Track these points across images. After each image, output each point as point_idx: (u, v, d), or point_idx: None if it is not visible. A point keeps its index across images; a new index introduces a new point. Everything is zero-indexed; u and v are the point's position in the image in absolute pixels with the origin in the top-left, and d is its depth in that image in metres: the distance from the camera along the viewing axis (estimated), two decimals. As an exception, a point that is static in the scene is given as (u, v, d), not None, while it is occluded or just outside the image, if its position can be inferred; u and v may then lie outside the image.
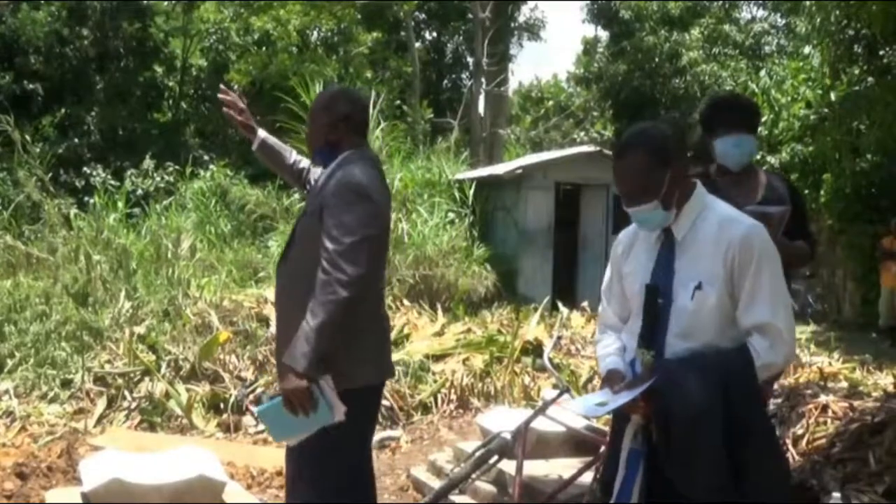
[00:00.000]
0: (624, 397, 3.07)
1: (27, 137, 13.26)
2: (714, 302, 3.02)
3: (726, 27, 26.93)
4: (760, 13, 29.11)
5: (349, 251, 3.36)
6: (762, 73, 19.86)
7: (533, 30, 28.31)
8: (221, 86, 4.17)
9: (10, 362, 8.66)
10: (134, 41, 21.99)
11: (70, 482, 5.86)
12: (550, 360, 5.97)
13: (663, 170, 3.06)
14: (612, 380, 3.22)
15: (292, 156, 4.14)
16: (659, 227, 3.16)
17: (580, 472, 4.81)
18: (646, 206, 3.08)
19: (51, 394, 8.19)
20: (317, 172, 3.97)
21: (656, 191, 3.06)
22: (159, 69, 22.90)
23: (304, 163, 4.13)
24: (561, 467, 5.48)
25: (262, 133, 4.09)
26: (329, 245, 3.37)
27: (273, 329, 8.94)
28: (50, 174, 12.89)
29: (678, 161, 3.11)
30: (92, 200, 13.40)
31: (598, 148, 17.37)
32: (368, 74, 22.42)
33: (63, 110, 19.68)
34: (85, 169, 18.78)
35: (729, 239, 3.03)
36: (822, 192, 16.00)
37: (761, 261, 3.03)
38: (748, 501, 2.98)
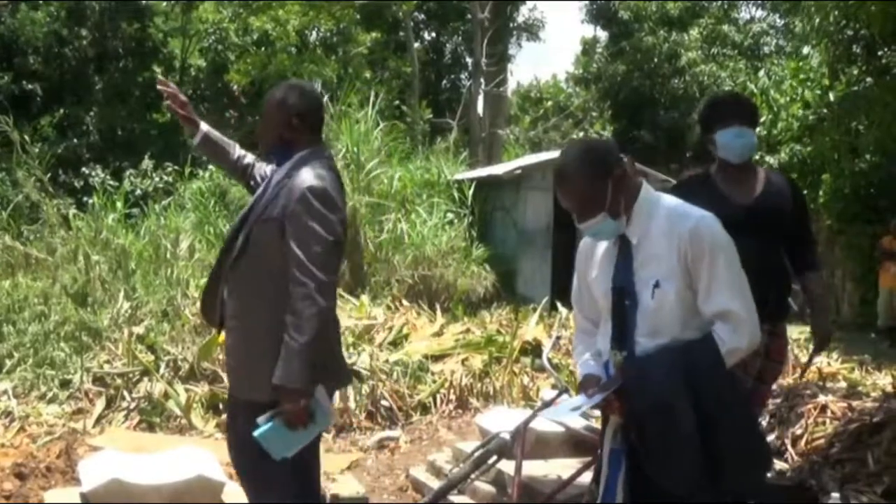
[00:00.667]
0: (594, 399, 3.15)
1: (26, 137, 13.24)
2: (673, 298, 3.10)
3: (725, 27, 26.94)
4: (759, 13, 29.17)
5: (321, 259, 3.32)
6: (761, 73, 19.87)
7: (532, 30, 28.31)
8: (159, 77, 4.11)
9: (8, 363, 8.67)
10: (133, 41, 21.99)
11: (69, 482, 5.86)
12: (549, 360, 5.98)
13: (603, 181, 3.15)
14: (587, 384, 3.29)
15: (236, 151, 4.01)
16: (613, 236, 3.24)
17: (579, 473, 4.82)
18: (595, 220, 3.18)
19: (50, 394, 8.19)
20: (262, 168, 3.93)
21: (601, 203, 3.15)
22: (158, 69, 22.85)
23: (249, 158, 4.02)
24: (560, 467, 5.49)
25: (204, 127, 3.96)
26: (299, 254, 3.31)
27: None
28: (49, 174, 12.88)
29: (616, 168, 3.17)
30: (91, 201, 13.37)
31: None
32: (367, 75, 22.43)
33: (62, 110, 19.68)
34: (84, 169, 18.76)
35: (679, 233, 3.10)
36: (820, 193, 16.01)
37: (714, 251, 3.09)
38: (725, 490, 3.03)
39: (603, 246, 3.33)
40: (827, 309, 4.65)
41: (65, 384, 8.33)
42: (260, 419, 3.32)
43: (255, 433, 3.30)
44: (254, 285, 3.48)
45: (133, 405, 7.92)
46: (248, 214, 3.60)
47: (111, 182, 16.86)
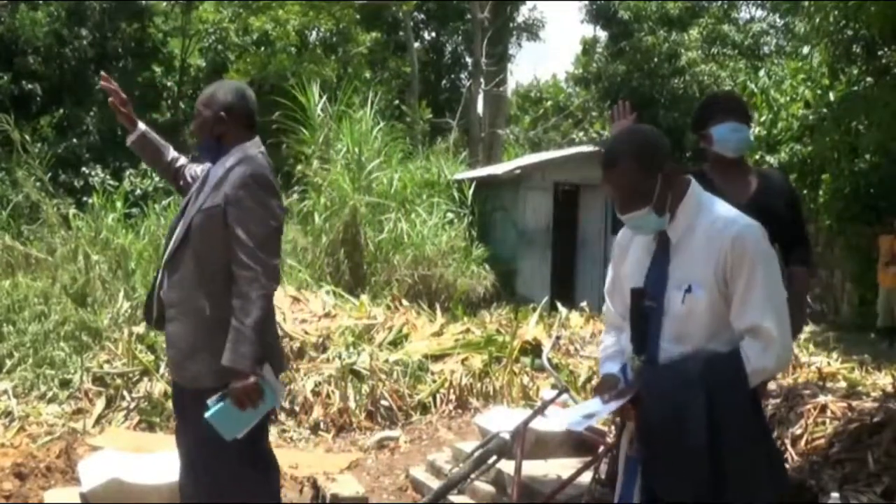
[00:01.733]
0: (610, 407, 3.07)
1: (26, 137, 13.24)
2: (705, 305, 2.97)
3: (725, 27, 26.93)
4: (759, 13, 29.15)
5: (266, 243, 3.43)
6: (761, 72, 19.84)
7: (532, 30, 28.33)
8: (103, 73, 4.14)
9: (8, 362, 8.67)
10: (133, 42, 21.99)
11: (69, 482, 5.86)
12: (549, 360, 5.97)
13: (653, 175, 3.03)
14: (604, 386, 3.22)
15: (170, 153, 4.10)
16: (653, 231, 3.12)
17: (579, 473, 4.81)
18: (638, 213, 3.05)
19: (49, 394, 8.20)
20: (193, 169, 4.00)
21: (648, 197, 3.03)
22: (158, 69, 22.90)
23: (182, 160, 4.11)
24: (560, 467, 5.49)
25: (142, 127, 4.04)
26: (244, 238, 3.40)
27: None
28: (49, 174, 12.88)
29: (667, 164, 3.07)
30: (90, 200, 13.38)
31: (597, 148, 17.38)
32: (367, 75, 22.42)
33: (62, 110, 19.68)
34: (84, 169, 18.76)
35: (722, 239, 2.97)
36: (820, 193, 16.01)
37: (755, 262, 2.95)
38: None
39: (639, 241, 3.21)
40: (804, 306, 4.61)
41: (65, 384, 8.33)
42: (209, 401, 3.38)
43: (206, 415, 3.35)
44: (196, 274, 3.55)
45: (133, 405, 7.92)
46: (186, 208, 3.69)
47: (111, 182, 16.89)
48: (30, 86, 19.92)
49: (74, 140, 19.40)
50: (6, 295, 9.71)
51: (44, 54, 20.18)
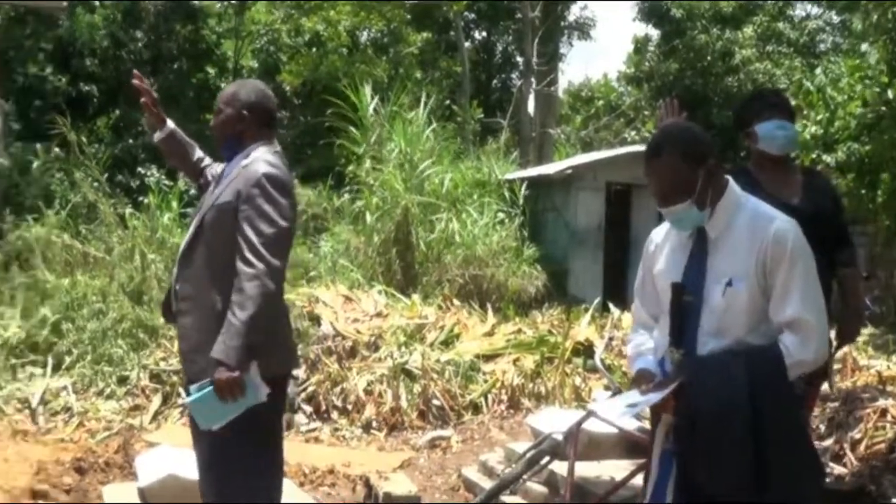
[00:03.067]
0: (653, 398, 3.09)
1: (83, 139, 13.45)
2: (745, 298, 3.03)
3: (780, 25, 26.57)
4: (815, 10, 28.70)
5: (272, 243, 3.42)
6: (817, 70, 19.52)
7: (583, 29, 28.18)
8: (135, 71, 4.19)
9: (68, 359, 8.84)
10: (187, 43, 22.20)
11: (126, 477, 5.96)
12: (602, 361, 5.95)
13: (696, 169, 3.09)
14: (641, 380, 3.25)
15: (196, 152, 4.15)
16: (693, 226, 3.17)
17: (632, 475, 4.78)
18: (680, 206, 3.12)
19: (107, 390, 8.35)
20: (214, 168, 4.04)
21: (690, 190, 3.09)
22: (211, 71, 23.11)
23: (207, 161, 4.15)
24: (613, 469, 5.47)
25: (171, 125, 4.10)
26: (251, 236, 3.41)
27: (324, 328, 9.01)
28: (105, 175, 13.07)
29: (710, 159, 3.12)
30: (146, 200, 13.56)
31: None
32: (418, 75, 22.45)
33: (118, 112, 19.94)
34: (139, 169, 18.98)
35: (762, 235, 3.04)
36: (879, 192, 15.70)
37: (794, 257, 3.02)
38: (771, 501, 2.96)
39: (674, 239, 3.28)
40: (859, 307, 4.53)
41: (122, 381, 8.48)
42: (193, 388, 3.43)
43: (187, 400, 3.43)
44: (207, 269, 3.58)
45: (188, 402, 8.00)
46: (202, 206, 3.72)
47: (166, 182, 17.04)
48: (87, 88, 20.21)
49: (130, 140, 19.65)
50: (66, 293, 9.87)
51: (100, 56, 20.47)
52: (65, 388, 8.39)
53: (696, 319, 3.11)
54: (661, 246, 3.34)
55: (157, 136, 4.08)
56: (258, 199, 3.45)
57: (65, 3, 10.94)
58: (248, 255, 3.38)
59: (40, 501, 5.58)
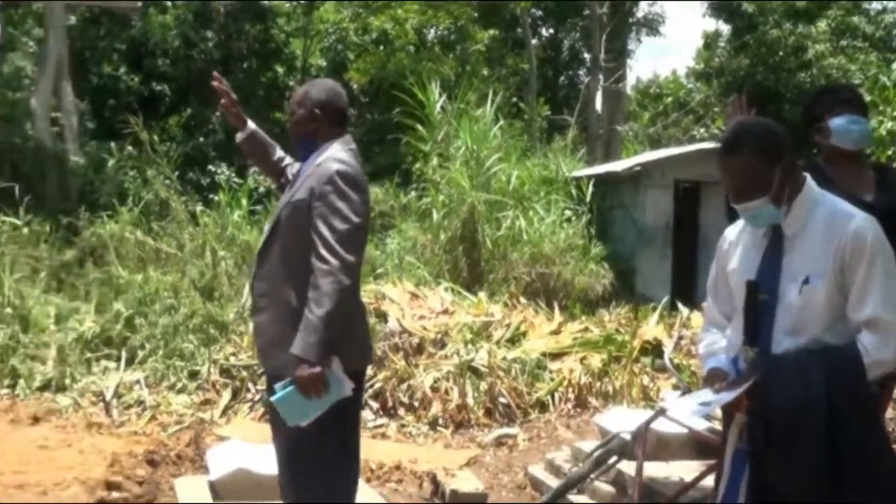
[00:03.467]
0: (727, 396, 3.05)
1: (155, 137, 13.71)
2: (822, 296, 2.98)
3: (855, 19, 26.01)
4: (891, 4, 28.05)
5: (346, 239, 3.45)
6: (894, 65, 19.10)
7: (652, 25, 27.88)
8: (214, 73, 4.23)
9: (140, 353, 9.01)
10: (256, 42, 22.48)
11: (197, 471, 6.06)
12: (671, 360, 5.89)
13: (773, 165, 3.04)
14: (713, 379, 3.21)
15: (277, 152, 4.19)
16: (769, 223, 3.12)
17: (702, 476, 4.71)
18: (756, 203, 3.06)
19: (179, 384, 8.49)
20: (294, 167, 4.06)
21: (766, 187, 3.04)
22: (280, 69, 23.36)
23: (288, 160, 4.19)
24: (682, 470, 5.40)
25: (252, 126, 4.14)
26: (325, 232, 3.45)
27: (391, 325, 9.05)
28: (177, 172, 13.29)
29: (786, 155, 3.07)
30: (216, 198, 13.75)
31: (718, 144, 16.99)
32: (485, 72, 22.41)
33: (189, 110, 20.25)
34: (210, 167, 19.24)
35: (841, 232, 2.99)
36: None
37: (874, 255, 2.97)
38: (846, 502, 2.90)
39: (748, 236, 3.23)
40: None
41: (193, 375, 8.61)
42: (277, 386, 3.45)
43: (272, 398, 3.45)
44: (282, 266, 3.63)
45: (257, 397, 8.11)
46: (279, 204, 3.79)
47: (236, 179, 17.28)
48: (159, 87, 20.58)
49: (201, 139, 19.94)
50: (139, 288, 10.07)
51: (172, 56, 20.82)
52: (138, 381, 8.55)
53: (770, 318, 3.06)
54: (735, 244, 3.29)
55: (239, 136, 4.15)
56: (331, 195, 3.49)
57: (139, 3, 11.13)
58: (323, 252, 3.42)
59: (114, 493, 5.69)
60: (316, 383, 3.36)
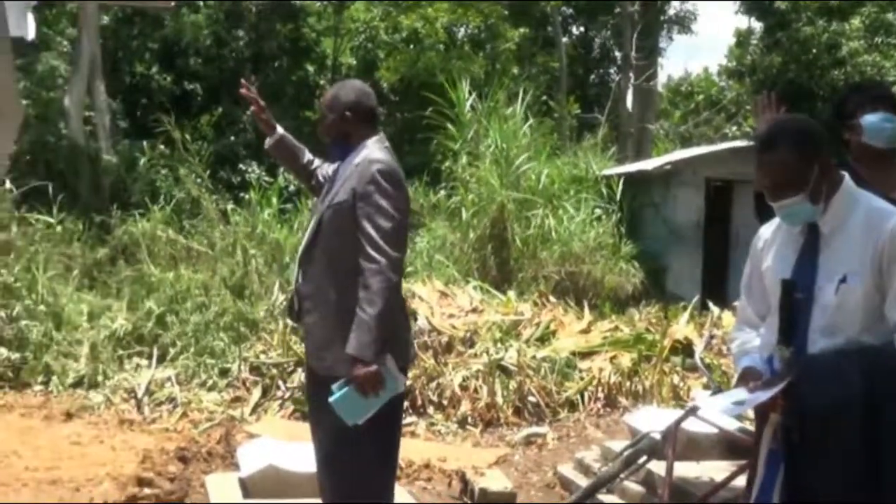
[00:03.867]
0: (761, 395, 3.01)
1: (187, 136, 13.79)
2: (859, 295, 2.94)
3: (889, 16, 25.66)
4: (928, 0, 27.68)
5: (392, 236, 3.49)
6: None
7: (683, 23, 27.69)
8: (242, 80, 4.25)
9: (172, 351, 9.07)
10: (287, 42, 22.58)
11: (228, 467, 6.09)
12: (702, 359, 5.85)
13: (811, 163, 3.01)
14: (747, 378, 3.17)
15: (306, 155, 4.20)
16: (805, 221, 3.09)
17: (733, 476, 4.67)
18: (792, 200, 3.02)
19: (209, 382, 8.54)
20: (325, 169, 4.08)
21: (803, 184, 3.00)
22: (311, 68, 23.44)
23: (317, 162, 4.20)
24: (712, 470, 5.36)
25: (280, 130, 4.16)
26: (371, 231, 3.49)
27: (420, 323, 9.06)
28: (208, 171, 13.38)
29: (824, 152, 3.04)
30: (247, 196, 13.83)
31: (750, 143, 16.86)
32: (515, 70, 22.38)
33: (220, 109, 20.37)
34: (241, 166, 19.36)
35: (879, 231, 2.95)
36: None
37: None
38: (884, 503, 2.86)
39: (784, 235, 3.20)
40: None
41: (223, 373, 8.66)
42: (334, 386, 3.48)
43: (330, 399, 3.46)
44: (327, 267, 3.66)
45: (287, 395, 8.15)
46: (320, 207, 3.81)
47: (266, 178, 17.39)
48: (191, 86, 20.73)
49: (232, 138, 20.05)
50: (170, 286, 10.14)
51: (204, 56, 20.95)
52: (169, 378, 8.61)
53: (806, 317, 3.02)
54: (771, 243, 3.25)
55: (268, 142, 4.17)
56: (375, 195, 3.53)
57: (172, 3, 11.20)
58: (371, 251, 3.46)
59: (146, 489, 5.73)
60: (373, 381, 3.41)
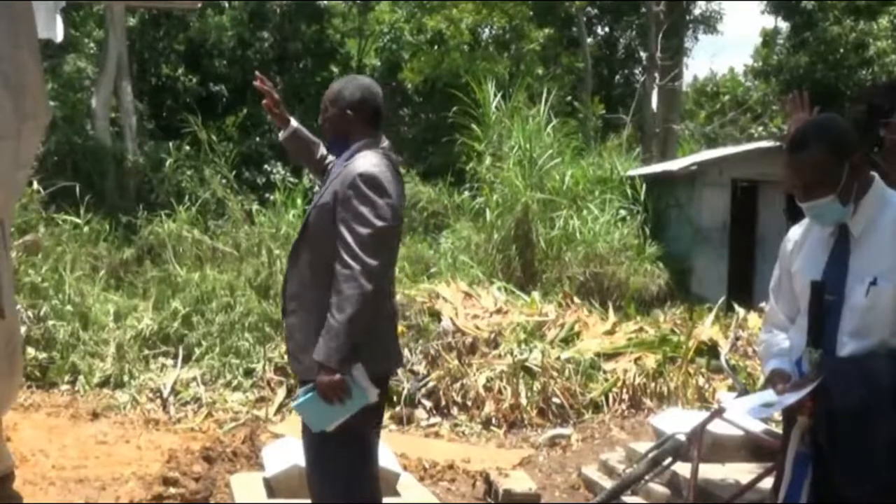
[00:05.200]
0: (790, 397, 3.00)
1: (212, 137, 13.86)
2: (890, 298, 2.91)
3: (918, 15, 25.47)
4: (956, -1, 27.41)
5: (369, 243, 3.40)
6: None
7: (709, 23, 27.54)
8: (257, 73, 4.20)
9: (197, 351, 9.11)
10: (312, 43, 22.65)
11: (253, 467, 6.11)
12: (727, 361, 5.81)
13: (841, 163, 2.99)
14: (775, 380, 3.15)
15: (320, 149, 4.13)
16: (835, 222, 3.07)
17: (759, 478, 4.64)
18: (823, 201, 3.01)
19: (234, 382, 8.58)
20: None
21: (834, 185, 2.99)
22: (335, 69, 23.51)
23: (330, 158, 4.11)
24: (738, 472, 5.33)
25: (294, 124, 4.10)
26: (347, 237, 3.41)
27: (444, 324, 9.06)
28: (233, 172, 13.42)
29: (855, 153, 3.02)
30: (272, 197, 13.87)
31: (776, 143, 16.74)
32: (540, 71, 22.36)
33: (245, 110, 20.47)
34: (266, 166, 19.45)
35: None
36: None
37: None
38: None
39: (814, 236, 3.18)
40: None
41: (248, 373, 8.69)
42: (299, 391, 3.47)
43: (293, 404, 3.46)
44: (309, 269, 3.61)
45: (312, 395, 8.15)
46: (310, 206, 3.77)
47: (291, 179, 17.44)
48: (216, 87, 20.84)
49: (257, 138, 20.13)
50: (195, 287, 10.18)
51: (228, 57, 21.06)
52: (194, 378, 8.66)
53: (836, 319, 3.00)
54: (800, 244, 3.23)
55: (282, 135, 4.13)
56: (353, 200, 3.45)
57: (199, 4, 11.25)
58: (345, 257, 3.39)
59: (171, 489, 5.76)
60: (336, 389, 3.36)
